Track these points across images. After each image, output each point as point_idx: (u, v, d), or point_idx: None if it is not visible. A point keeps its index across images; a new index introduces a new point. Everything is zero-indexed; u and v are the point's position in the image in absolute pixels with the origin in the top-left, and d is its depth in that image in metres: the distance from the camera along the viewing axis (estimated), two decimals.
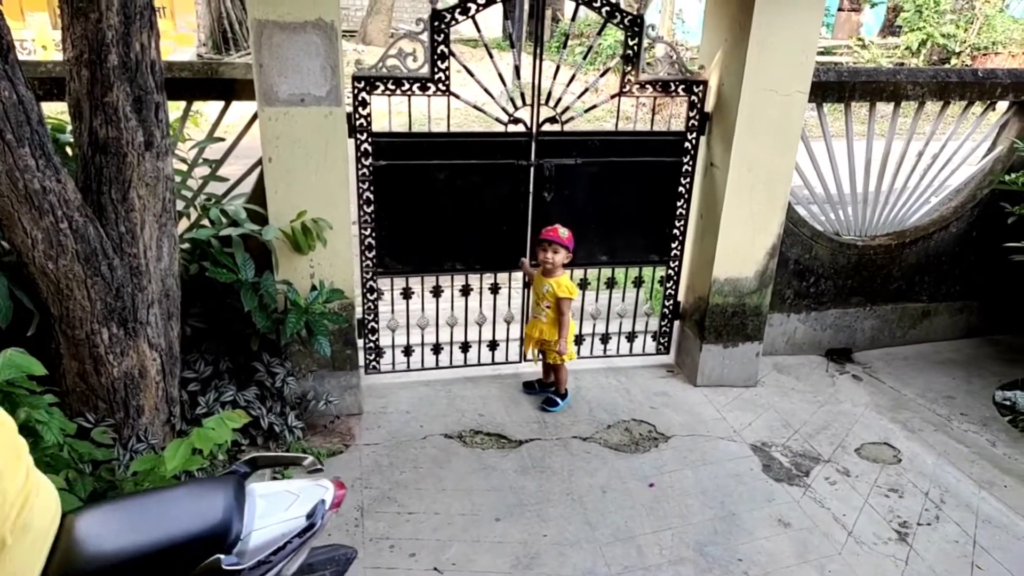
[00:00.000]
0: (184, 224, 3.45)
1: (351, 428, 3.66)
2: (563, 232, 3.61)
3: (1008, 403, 4.21)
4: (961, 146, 4.43)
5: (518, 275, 3.82)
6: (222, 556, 1.63)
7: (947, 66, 14.35)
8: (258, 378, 3.34)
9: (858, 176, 4.35)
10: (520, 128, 3.67)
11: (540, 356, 3.93)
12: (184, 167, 3.44)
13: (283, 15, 3.02)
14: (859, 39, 17.07)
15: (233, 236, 3.18)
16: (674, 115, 4.23)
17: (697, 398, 4.07)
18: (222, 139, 3.54)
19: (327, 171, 3.30)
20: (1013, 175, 4.13)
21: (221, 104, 3.52)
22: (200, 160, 3.53)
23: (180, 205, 3.33)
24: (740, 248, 3.93)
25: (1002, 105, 4.56)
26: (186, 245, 3.30)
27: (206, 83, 3.42)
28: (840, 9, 18.64)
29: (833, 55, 15.68)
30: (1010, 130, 4.56)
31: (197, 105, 3.67)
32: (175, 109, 3.31)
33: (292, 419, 3.35)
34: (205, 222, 3.41)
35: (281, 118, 3.17)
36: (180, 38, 14.65)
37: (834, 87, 4.10)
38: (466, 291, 3.95)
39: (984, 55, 15.57)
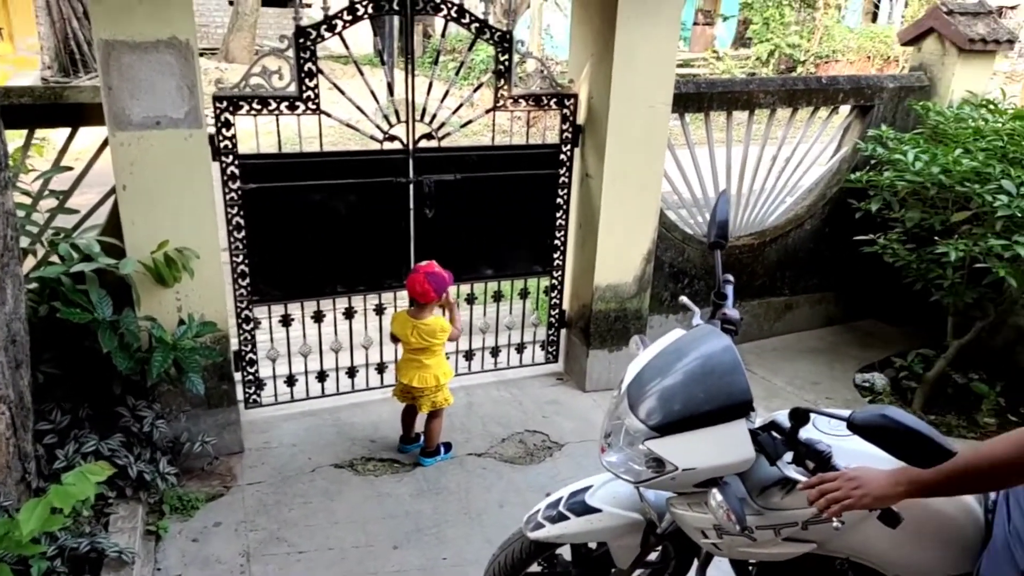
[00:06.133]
0: (31, 262, 3.16)
1: (232, 468, 3.46)
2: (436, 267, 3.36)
3: (867, 384, 4.54)
4: (810, 149, 4.76)
5: (403, 294, 3.74)
6: None
7: (794, 74, 15.53)
8: (123, 424, 3.09)
9: (720, 180, 4.58)
10: (396, 145, 3.61)
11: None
12: (28, 200, 3.16)
13: (133, 35, 2.83)
14: (714, 51, 18.15)
15: (86, 272, 2.94)
16: (548, 128, 4.30)
17: (587, 404, 4.14)
18: (70, 168, 3.27)
19: (190, 197, 3.11)
20: (858, 173, 4.46)
21: (68, 131, 3.26)
22: (46, 192, 3.25)
23: (25, 242, 3.05)
24: (619, 255, 4.04)
25: (844, 109, 4.93)
26: (33, 285, 3.01)
27: (50, 109, 3.15)
28: (695, 23, 19.74)
29: (691, 67, 16.56)
30: (853, 132, 4.94)
31: (42, 132, 3.39)
32: (16, 138, 3.04)
33: (164, 465, 3.12)
34: (54, 259, 3.14)
35: (135, 143, 2.96)
36: (19, 61, 13.57)
37: (694, 98, 4.30)
38: (350, 314, 3.84)
39: (826, 63, 16.95)
